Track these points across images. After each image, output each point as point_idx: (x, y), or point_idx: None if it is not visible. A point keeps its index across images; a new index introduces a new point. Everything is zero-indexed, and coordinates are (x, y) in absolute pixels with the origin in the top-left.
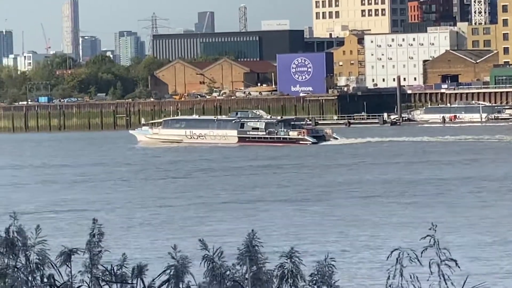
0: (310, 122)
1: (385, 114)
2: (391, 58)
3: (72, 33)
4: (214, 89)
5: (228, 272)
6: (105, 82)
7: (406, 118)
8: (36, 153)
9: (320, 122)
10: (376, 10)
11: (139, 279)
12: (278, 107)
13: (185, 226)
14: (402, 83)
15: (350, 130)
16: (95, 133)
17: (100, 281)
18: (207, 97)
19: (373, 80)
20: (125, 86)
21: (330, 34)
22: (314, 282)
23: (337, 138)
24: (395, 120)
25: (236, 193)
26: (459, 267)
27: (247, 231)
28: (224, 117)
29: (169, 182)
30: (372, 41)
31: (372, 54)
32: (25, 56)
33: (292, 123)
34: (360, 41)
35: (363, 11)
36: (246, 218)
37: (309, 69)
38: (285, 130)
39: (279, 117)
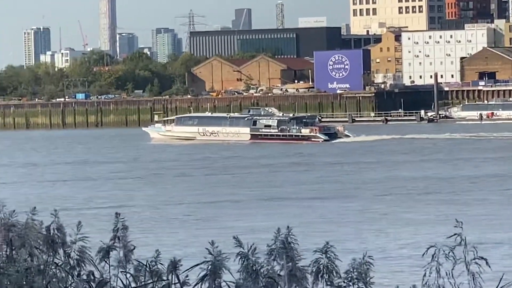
0: (336, 120)
1: (422, 111)
2: (428, 55)
3: (109, 30)
4: (251, 86)
5: (262, 269)
6: (142, 79)
7: (443, 115)
8: (73, 149)
9: (357, 119)
10: (414, 7)
11: (173, 274)
12: (315, 104)
13: (222, 222)
14: (439, 80)
15: (387, 127)
16: (132, 129)
17: (135, 277)
18: (244, 94)
19: (410, 77)
20: (162, 83)
21: (367, 31)
22: (349, 279)
23: (349, 136)
24: (432, 117)
25: (273, 190)
26: (489, 266)
27: (283, 227)
28: (236, 114)
29: (204, 179)
30: (409, 38)
31: (409, 51)
32: (62, 53)
33: (304, 120)
34: (397, 38)
35: (400, 8)
36: (284, 215)
37: (346, 66)
38: (297, 127)
39: (291, 115)
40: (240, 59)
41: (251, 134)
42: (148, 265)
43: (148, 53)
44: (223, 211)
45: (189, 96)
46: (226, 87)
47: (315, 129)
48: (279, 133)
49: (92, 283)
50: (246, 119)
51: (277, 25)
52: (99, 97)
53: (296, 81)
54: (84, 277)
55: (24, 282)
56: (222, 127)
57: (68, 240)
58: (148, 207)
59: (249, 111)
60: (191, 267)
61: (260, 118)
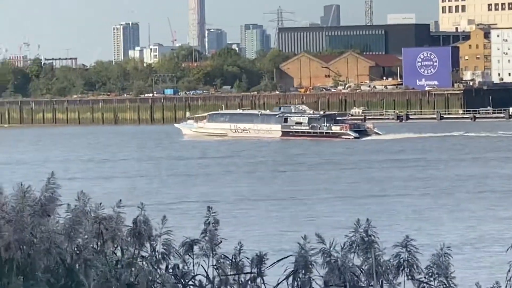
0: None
1: (511, 109)
2: None
3: (198, 26)
4: (339, 83)
5: (344, 264)
6: (230, 75)
7: None
8: (162, 145)
9: (445, 116)
10: (503, 4)
11: (258, 268)
12: (403, 101)
13: (310, 217)
14: None
15: (475, 124)
16: None
17: (219, 271)
18: (332, 90)
19: (499, 74)
20: (251, 79)
21: (456, 28)
22: (430, 274)
23: (379, 133)
24: None
25: (361, 187)
26: None
27: (366, 222)
28: (268, 111)
29: (292, 175)
30: (498, 35)
31: (498, 49)
32: (151, 49)
33: (335, 118)
34: (487, 35)
35: (489, 5)
36: (370, 211)
37: (435, 63)
38: (327, 124)
39: (321, 112)
40: (328, 55)
41: (282, 131)
42: (232, 258)
43: (237, 49)
44: (312, 206)
45: (277, 92)
46: (314, 83)
47: (346, 127)
48: (310, 130)
49: (178, 276)
50: (277, 116)
51: (366, 22)
52: (187, 92)
53: (384, 78)
54: (170, 270)
55: (112, 275)
56: (254, 124)
57: (154, 233)
58: (234, 202)
59: (279, 109)
60: (278, 260)
61: (291, 115)
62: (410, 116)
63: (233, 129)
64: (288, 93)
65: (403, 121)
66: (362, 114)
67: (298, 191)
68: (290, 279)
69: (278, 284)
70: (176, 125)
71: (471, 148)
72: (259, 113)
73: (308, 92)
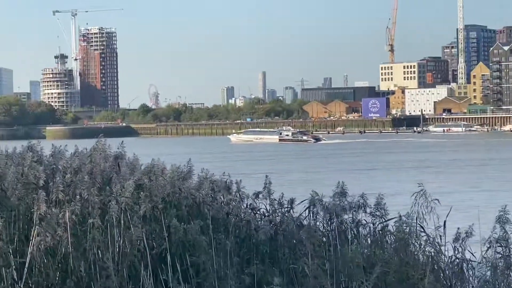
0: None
1: (415, 128)
2: None
3: (262, 87)
4: (331, 115)
5: (332, 204)
6: (278, 111)
7: None
8: (223, 144)
9: (382, 131)
10: (411, 77)
11: (291, 205)
12: (362, 124)
13: (310, 180)
14: None
15: (398, 135)
16: None
17: (272, 206)
18: (327, 119)
19: (409, 111)
20: (288, 114)
21: (388, 88)
22: (375, 208)
23: (325, 139)
24: None
25: (327, 164)
26: None
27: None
28: (271, 130)
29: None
30: (408, 92)
31: (408, 98)
32: (240, 99)
33: (305, 132)
34: (403, 91)
35: (404, 77)
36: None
37: (378, 106)
38: (301, 135)
39: (297, 130)
40: (326, 102)
41: (279, 139)
42: (278, 200)
43: (281, 99)
44: (309, 174)
45: (301, 120)
46: (319, 115)
47: (309, 136)
48: (292, 138)
49: (251, 208)
50: (276, 132)
51: (344, 85)
52: (257, 119)
53: (353, 113)
54: (247, 206)
55: (220, 209)
56: (265, 135)
57: (236, 187)
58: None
59: (278, 129)
60: (300, 202)
61: (283, 131)
62: (366, 131)
63: (255, 138)
64: (308, 119)
65: (362, 133)
66: (342, 130)
67: (308, 166)
68: (307, 211)
69: (301, 213)
70: (228, 136)
71: (381, 146)
72: (268, 130)
73: (315, 119)
